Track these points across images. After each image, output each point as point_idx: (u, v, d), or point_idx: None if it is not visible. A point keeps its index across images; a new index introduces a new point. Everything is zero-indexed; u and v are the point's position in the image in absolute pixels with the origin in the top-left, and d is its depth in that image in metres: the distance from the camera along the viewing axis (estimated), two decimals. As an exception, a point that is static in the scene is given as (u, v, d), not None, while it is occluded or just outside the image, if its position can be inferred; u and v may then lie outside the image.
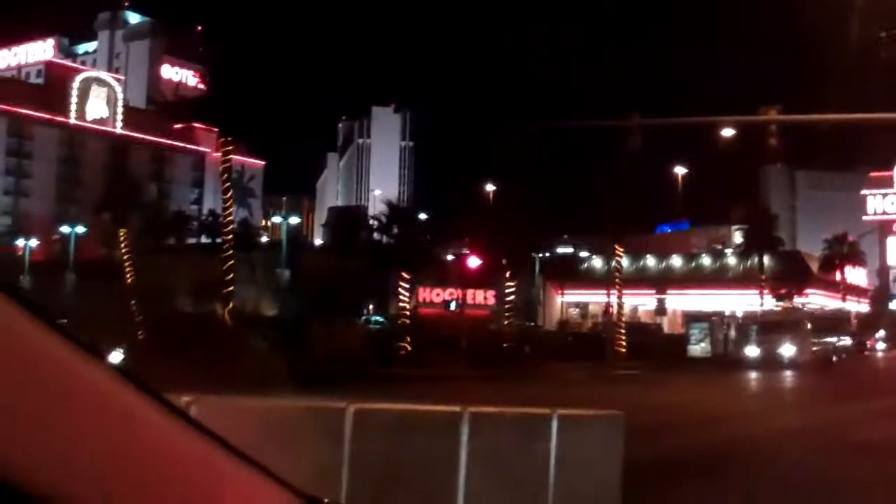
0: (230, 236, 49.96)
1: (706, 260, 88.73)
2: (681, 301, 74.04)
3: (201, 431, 1.32)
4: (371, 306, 69.21)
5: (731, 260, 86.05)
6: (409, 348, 45.47)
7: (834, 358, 52.51)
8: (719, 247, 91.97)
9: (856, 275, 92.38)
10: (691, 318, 62.49)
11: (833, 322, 59.06)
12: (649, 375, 35.88)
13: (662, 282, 67.41)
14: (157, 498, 1.19)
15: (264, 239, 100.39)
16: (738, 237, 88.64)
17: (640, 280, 70.88)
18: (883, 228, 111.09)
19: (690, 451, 14.76)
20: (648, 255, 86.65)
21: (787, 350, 48.74)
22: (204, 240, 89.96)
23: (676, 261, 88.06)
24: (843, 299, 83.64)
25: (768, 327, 51.38)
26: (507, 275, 55.21)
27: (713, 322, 58.23)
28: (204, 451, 1.32)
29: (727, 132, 32.70)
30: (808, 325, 51.90)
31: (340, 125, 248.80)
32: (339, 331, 49.32)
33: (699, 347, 53.93)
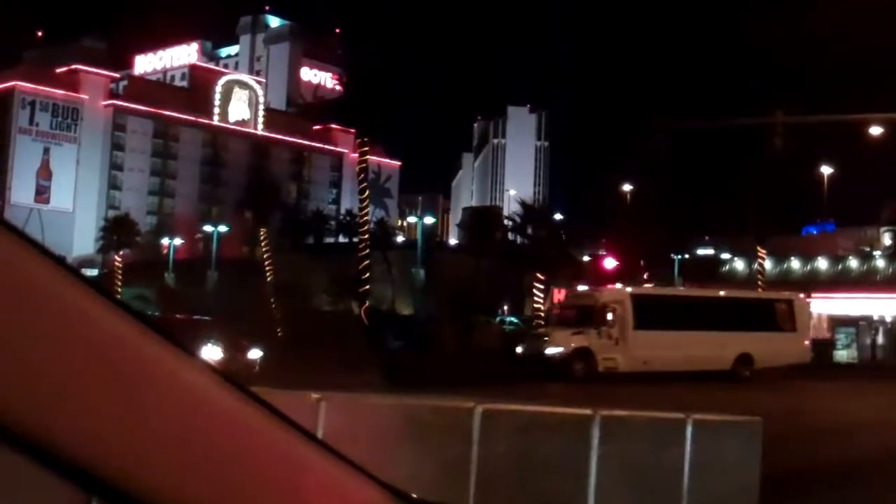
0: (366, 236, 50.60)
1: (853, 262, 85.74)
2: (826, 305, 71.73)
3: (270, 412, 1.27)
4: (506, 307, 69.17)
5: (880, 262, 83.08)
6: (543, 349, 45.19)
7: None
8: (867, 249, 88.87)
9: None
10: (837, 322, 60.45)
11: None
12: (789, 380, 34.81)
13: (807, 285, 65.41)
14: (228, 491, 1.17)
15: (400, 238, 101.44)
16: (887, 239, 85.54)
17: (783, 283, 68.87)
18: None
19: (830, 459, 14.23)
20: (792, 258, 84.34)
21: (552, 348, 33.48)
22: (341, 239, 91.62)
23: (822, 263, 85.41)
24: None
25: (562, 316, 37.12)
26: (645, 276, 54.50)
27: (860, 327, 56.20)
28: (279, 436, 1.28)
29: (876, 130, 31.53)
30: (613, 313, 33.89)
31: (476, 125, 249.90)
32: (473, 331, 49.44)
33: (845, 353, 52.09)
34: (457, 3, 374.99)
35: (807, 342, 38.71)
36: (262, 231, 67.60)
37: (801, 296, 41.38)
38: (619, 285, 38.68)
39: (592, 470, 7.13)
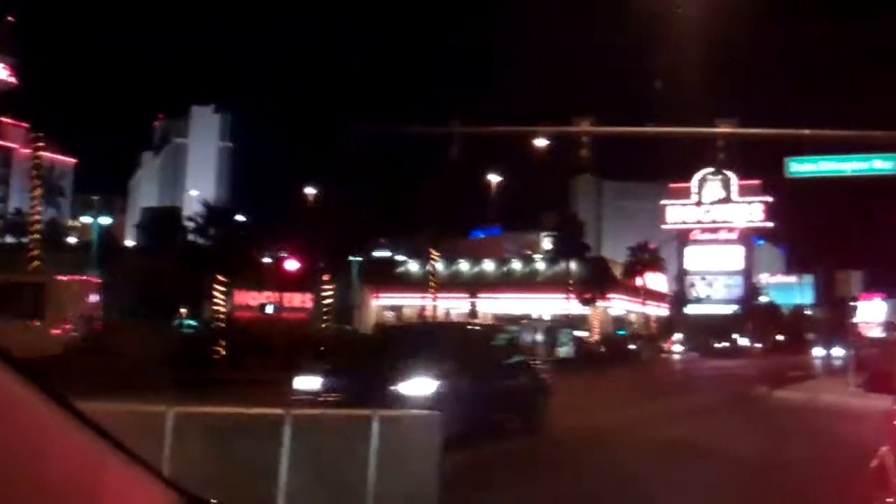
0: (37, 236, 48.11)
1: (517, 265, 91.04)
2: (493, 304, 75.70)
3: (86, 424, 1.36)
4: (184, 310, 67.69)
5: (541, 265, 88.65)
6: (224, 353, 44.86)
7: None
8: (530, 252, 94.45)
9: (656, 280, 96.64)
10: (502, 321, 63.80)
11: None
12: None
13: (475, 285, 68.84)
14: (30, 491, 1.21)
15: (73, 239, 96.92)
16: (547, 243, 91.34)
17: (454, 284, 72.06)
18: (681, 236, 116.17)
19: (505, 451, 14.94)
20: (462, 260, 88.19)
21: None
22: (9, 239, 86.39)
23: (489, 265, 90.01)
24: (644, 304, 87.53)
25: None
26: (325, 278, 55.24)
27: (523, 325, 59.71)
28: (85, 444, 1.35)
29: (541, 142, 33.74)
30: None
31: (157, 124, 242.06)
32: (149, 336, 48.07)
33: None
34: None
35: (56, 331, 30.70)
36: (-84, 230, 62.68)
37: (63, 278, 34.08)
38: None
39: (283, 467, 7.51)
